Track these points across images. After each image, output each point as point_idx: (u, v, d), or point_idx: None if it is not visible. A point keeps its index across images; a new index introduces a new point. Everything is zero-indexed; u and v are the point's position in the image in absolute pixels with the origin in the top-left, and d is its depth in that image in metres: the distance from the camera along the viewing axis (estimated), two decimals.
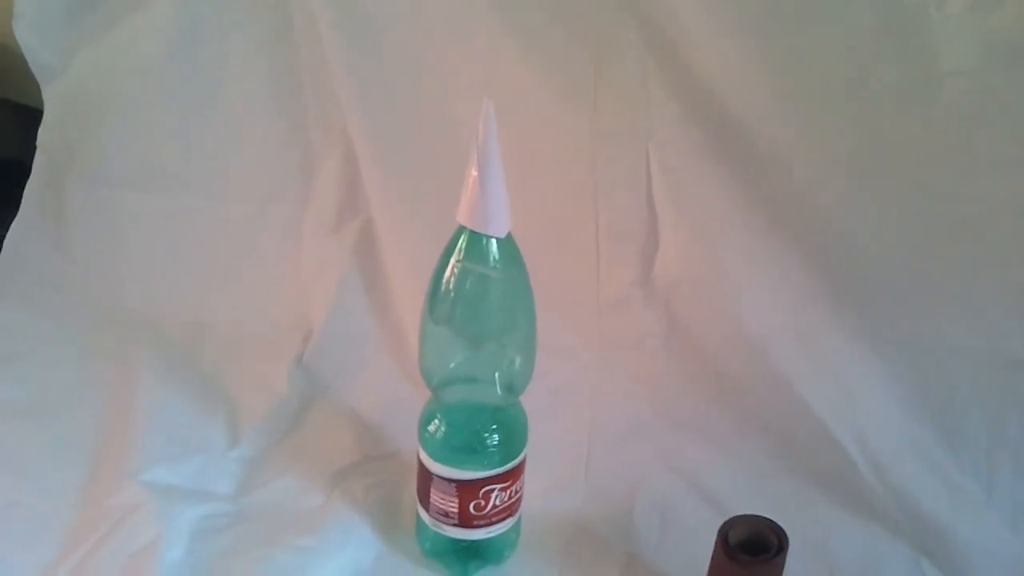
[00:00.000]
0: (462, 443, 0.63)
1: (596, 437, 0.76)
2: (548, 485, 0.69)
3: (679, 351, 0.75)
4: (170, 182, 0.83)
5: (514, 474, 0.66)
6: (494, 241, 0.57)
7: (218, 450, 0.74)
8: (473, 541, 0.66)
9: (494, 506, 0.65)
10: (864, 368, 0.69)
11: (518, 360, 0.63)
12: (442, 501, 0.64)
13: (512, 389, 0.64)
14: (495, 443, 0.63)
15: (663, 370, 0.76)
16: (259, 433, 0.76)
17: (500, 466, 0.63)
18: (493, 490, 0.65)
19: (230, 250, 0.85)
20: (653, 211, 0.72)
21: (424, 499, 0.65)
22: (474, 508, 0.64)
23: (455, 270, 0.57)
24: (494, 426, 0.64)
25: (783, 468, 0.72)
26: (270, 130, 0.80)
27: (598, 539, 0.69)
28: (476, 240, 0.57)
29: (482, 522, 0.65)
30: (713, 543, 0.60)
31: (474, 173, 0.54)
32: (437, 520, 0.65)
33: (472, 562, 0.67)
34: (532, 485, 0.67)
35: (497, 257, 0.57)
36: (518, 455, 0.66)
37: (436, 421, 0.64)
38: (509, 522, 0.67)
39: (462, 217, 0.56)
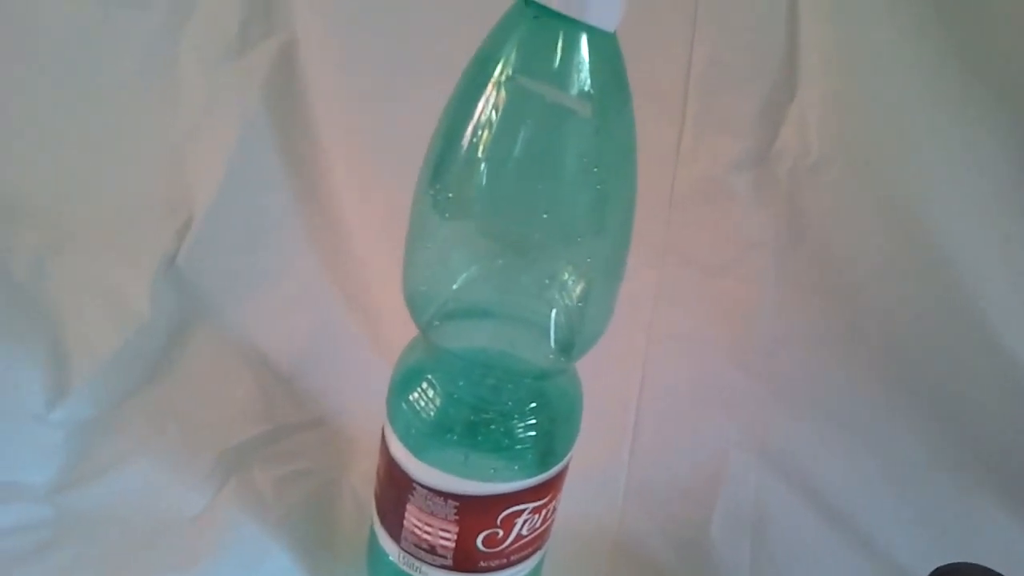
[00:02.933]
0: (472, 430, 0.39)
1: (651, 405, 0.57)
2: (573, 476, 0.48)
3: (800, 276, 0.56)
4: None
5: (554, 485, 0.42)
6: (586, 41, 0.31)
7: (28, 411, 0.53)
8: None
9: (518, 536, 0.41)
10: None
11: (594, 291, 0.37)
12: (428, 528, 0.41)
13: (572, 345, 0.38)
14: (531, 435, 0.40)
15: (768, 305, 0.57)
16: (100, 383, 0.55)
17: (536, 474, 0.40)
18: (521, 513, 0.40)
19: (58, 83, 0.62)
20: (794, 34, 0.51)
21: (391, 519, 0.43)
22: (485, 542, 0.41)
23: (500, 96, 0.31)
24: (532, 404, 0.40)
25: (960, 469, 0.56)
26: None
27: (653, 570, 0.51)
28: (549, 34, 0.31)
29: (494, 563, 0.42)
30: None
31: None
32: (414, 557, 0.42)
33: None
34: None
35: (590, 77, 0.31)
36: (565, 455, 0.41)
37: (425, 385, 0.40)
38: (534, 560, 0.44)
39: None
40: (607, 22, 0.30)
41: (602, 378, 0.50)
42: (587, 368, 0.43)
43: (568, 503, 0.47)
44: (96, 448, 0.52)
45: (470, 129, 0.32)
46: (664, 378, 0.57)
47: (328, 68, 0.58)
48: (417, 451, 0.39)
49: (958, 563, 0.42)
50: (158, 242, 0.61)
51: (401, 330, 0.42)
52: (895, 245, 0.53)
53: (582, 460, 0.47)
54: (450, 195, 0.33)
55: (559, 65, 0.31)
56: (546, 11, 0.29)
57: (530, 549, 0.42)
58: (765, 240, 0.56)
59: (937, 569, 0.42)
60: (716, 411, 0.57)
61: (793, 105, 0.53)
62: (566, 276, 0.36)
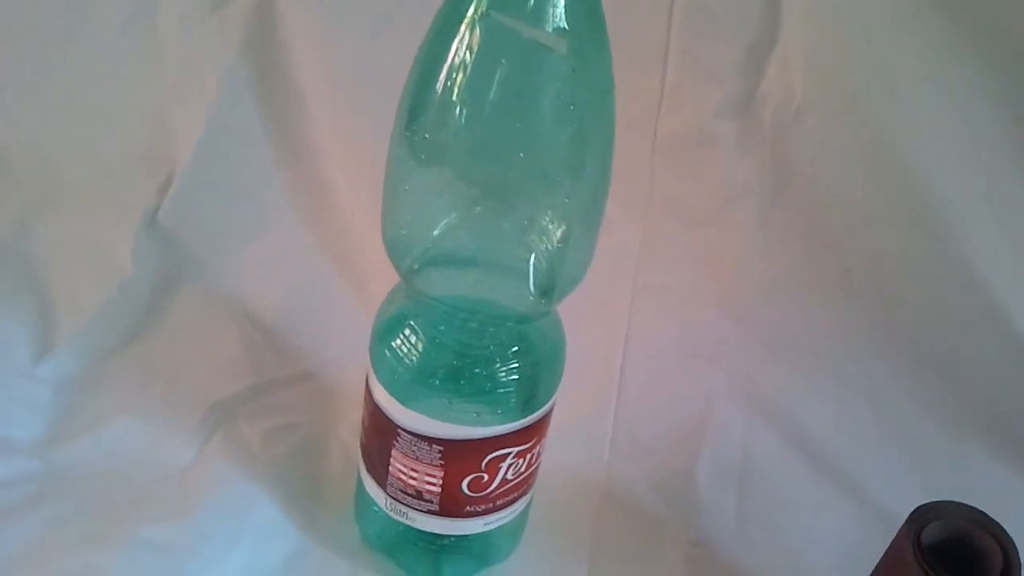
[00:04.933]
0: (455, 375, 0.39)
1: (637, 356, 0.56)
2: (560, 429, 0.47)
3: (787, 223, 0.55)
4: None
5: (538, 430, 0.41)
6: None
7: (15, 368, 0.52)
8: (459, 537, 0.43)
9: (503, 481, 0.41)
10: None
11: (573, 234, 0.36)
12: (413, 473, 0.41)
13: (552, 288, 0.37)
14: (513, 379, 0.39)
15: (755, 252, 0.56)
16: (86, 339, 0.55)
17: (520, 418, 0.40)
18: (505, 457, 0.40)
19: (38, 42, 0.61)
20: None
21: (376, 465, 0.42)
22: (470, 487, 0.41)
23: (474, 34, 0.31)
24: (515, 348, 0.39)
25: (947, 416, 0.55)
26: None
27: (641, 517, 0.51)
28: None
29: (480, 507, 0.42)
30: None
31: None
32: (400, 503, 0.42)
33: (448, 563, 0.45)
34: None
35: (566, 13, 0.30)
36: (548, 399, 0.41)
37: (408, 331, 0.39)
38: (520, 504, 0.44)
39: None
40: None
41: (588, 328, 0.50)
42: (573, 319, 0.43)
43: (556, 454, 0.46)
44: (83, 403, 0.52)
45: (445, 68, 0.31)
46: (650, 327, 0.57)
47: (308, 18, 0.57)
48: (401, 397, 0.39)
49: (939, 501, 0.41)
50: (140, 198, 0.60)
51: (386, 283, 0.41)
52: (881, 189, 0.52)
53: (569, 411, 0.47)
54: (426, 136, 0.33)
55: (533, 1, 0.30)
56: None
57: (516, 493, 0.42)
58: (751, 187, 0.55)
59: (918, 508, 0.41)
60: (702, 360, 0.57)
61: (776, 50, 0.52)
62: (545, 219, 0.35)
